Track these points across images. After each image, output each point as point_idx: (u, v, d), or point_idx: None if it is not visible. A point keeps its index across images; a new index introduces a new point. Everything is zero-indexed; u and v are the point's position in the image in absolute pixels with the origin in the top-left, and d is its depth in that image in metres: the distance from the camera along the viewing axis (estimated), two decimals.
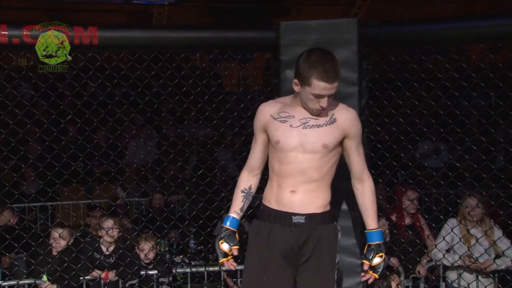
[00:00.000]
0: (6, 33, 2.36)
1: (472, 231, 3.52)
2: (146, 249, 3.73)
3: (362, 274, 2.30)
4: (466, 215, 3.58)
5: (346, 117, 2.23)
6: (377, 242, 2.27)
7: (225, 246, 2.28)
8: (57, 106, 3.31)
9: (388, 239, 3.78)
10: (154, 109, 3.34)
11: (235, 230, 2.32)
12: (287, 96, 2.36)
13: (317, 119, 2.21)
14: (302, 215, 2.18)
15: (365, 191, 2.29)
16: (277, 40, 2.62)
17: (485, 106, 4.29)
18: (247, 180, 2.34)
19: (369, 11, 7.62)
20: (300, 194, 2.18)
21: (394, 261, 3.83)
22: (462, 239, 3.55)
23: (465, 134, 2.97)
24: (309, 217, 2.19)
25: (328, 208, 2.24)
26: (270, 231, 2.22)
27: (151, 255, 3.74)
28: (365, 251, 2.30)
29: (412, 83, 2.77)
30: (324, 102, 2.15)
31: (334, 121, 2.22)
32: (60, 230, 3.72)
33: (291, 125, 2.20)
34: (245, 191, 2.33)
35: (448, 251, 3.63)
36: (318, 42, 2.56)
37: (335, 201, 2.49)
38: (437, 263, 3.73)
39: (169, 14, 7.14)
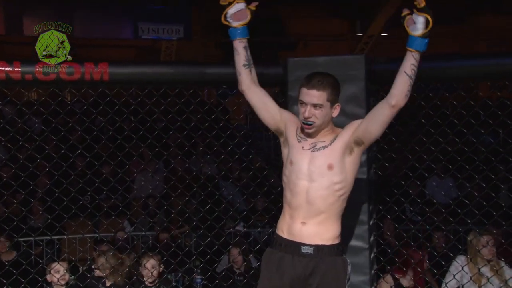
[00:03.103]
0: (20, 69, 2.42)
1: (482, 269, 3.46)
2: (149, 267, 3.68)
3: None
4: (477, 253, 3.52)
5: (345, 127, 2.26)
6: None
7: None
8: (67, 140, 3.36)
9: None
10: (162, 143, 3.38)
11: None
12: None
13: (323, 141, 2.23)
14: (310, 245, 2.20)
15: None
16: (285, 76, 2.66)
17: (493, 143, 4.29)
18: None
19: (374, 47, 7.74)
20: (310, 225, 2.21)
21: None
22: (472, 278, 3.48)
23: (473, 170, 2.96)
24: (317, 248, 2.20)
25: (337, 241, 2.25)
26: (280, 260, 2.24)
27: (155, 273, 3.69)
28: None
29: (420, 119, 2.78)
30: (306, 111, 2.18)
31: (337, 137, 2.23)
32: (59, 266, 3.67)
33: (303, 147, 2.24)
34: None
35: None
36: None
37: (345, 237, 2.49)
38: None
39: (177, 49, 7.29)
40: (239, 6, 2.27)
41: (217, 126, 3.29)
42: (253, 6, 2.29)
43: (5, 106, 5.03)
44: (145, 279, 3.75)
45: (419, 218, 3.58)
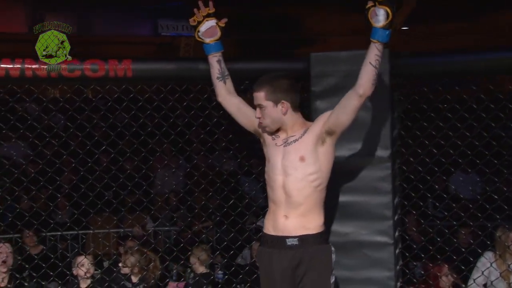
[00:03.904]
0: (45, 67, 2.45)
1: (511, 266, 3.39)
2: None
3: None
4: (506, 250, 3.45)
5: (316, 119, 2.32)
6: None
7: None
8: (91, 137, 3.41)
9: None
10: (185, 139, 3.39)
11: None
12: None
13: (294, 135, 2.30)
14: (295, 237, 2.24)
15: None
16: (307, 71, 2.65)
17: None
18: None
19: (393, 43, 7.61)
20: (292, 218, 2.25)
21: None
22: (501, 275, 3.41)
23: (501, 165, 2.90)
24: (301, 238, 2.23)
25: (321, 229, 2.28)
26: (270, 256, 2.29)
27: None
28: None
29: (446, 113, 2.73)
30: (256, 113, 2.31)
31: (308, 130, 2.29)
32: (85, 259, 3.74)
33: (276, 143, 2.31)
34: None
35: (485, 286, 3.50)
36: (348, 72, 2.58)
37: (368, 233, 2.47)
38: None
39: (195, 46, 7.29)
40: (209, 23, 2.42)
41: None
42: (222, 23, 2.43)
43: (29, 104, 5.11)
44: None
45: (443, 214, 3.50)
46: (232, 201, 3.35)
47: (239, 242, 3.42)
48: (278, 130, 2.32)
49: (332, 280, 2.26)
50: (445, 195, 3.12)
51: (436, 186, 2.88)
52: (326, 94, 2.62)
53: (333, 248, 2.29)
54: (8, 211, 4.13)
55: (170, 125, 3.13)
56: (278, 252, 2.26)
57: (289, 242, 2.24)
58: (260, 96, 2.27)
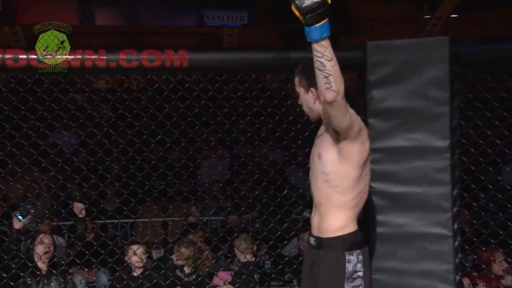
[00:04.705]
0: (105, 57, 2.48)
1: None
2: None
3: None
4: None
5: None
6: None
7: None
8: (135, 127, 3.45)
9: None
10: (226, 129, 3.40)
11: None
12: None
13: (322, 129, 2.22)
14: (313, 237, 2.19)
15: None
16: (363, 60, 2.60)
17: None
18: None
19: (442, 29, 7.43)
20: (315, 217, 2.20)
21: None
22: None
23: None
24: (318, 240, 2.17)
25: (338, 233, 2.12)
26: (305, 249, 2.30)
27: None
28: None
29: (509, 103, 2.65)
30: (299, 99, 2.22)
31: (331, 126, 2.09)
32: (138, 247, 3.81)
33: (317, 134, 2.25)
34: None
35: None
36: (406, 61, 2.53)
37: (427, 224, 2.43)
38: None
39: (239, 36, 7.29)
40: None
41: (280, 112, 3.27)
42: None
43: (75, 94, 5.21)
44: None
45: (493, 206, 3.41)
46: (274, 192, 3.36)
47: (287, 233, 3.42)
48: (321, 120, 2.22)
49: None
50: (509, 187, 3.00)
51: (499, 178, 2.79)
52: (382, 83, 2.57)
53: (352, 258, 2.10)
54: (62, 200, 4.22)
55: (212, 115, 3.16)
56: (308, 246, 2.25)
57: (311, 240, 2.20)
58: (295, 82, 2.21)
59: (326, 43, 1.86)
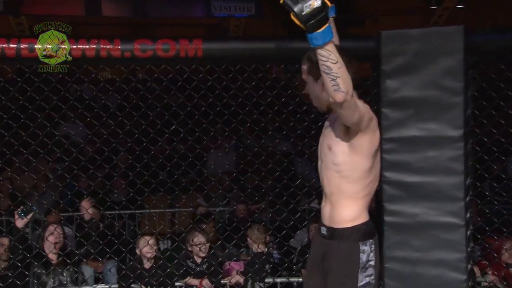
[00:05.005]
0: (119, 47, 2.48)
1: None
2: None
3: None
4: None
5: None
6: None
7: None
8: (145, 118, 3.46)
9: None
10: (238, 120, 3.40)
11: None
12: None
13: (330, 119, 2.18)
14: (325, 227, 2.17)
15: None
16: (377, 50, 2.60)
17: None
18: None
19: (448, 19, 7.40)
20: (326, 206, 2.18)
21: None
22: None
23: None
24: (330, 230, 2.15)
25: (351, 224, 2.11)
26: (314, 239, 2.31)
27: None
28: None
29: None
30: (305, 88, 2.17)
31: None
32: (149, 238, 3.83)
33: (325, 124, 2.21)
34: None
35: None
36: (420, 51, 2.53)
37: (439, 214, 2.43)
38: None
39: (245, 27, 7.28)
40: None
41: (292, 102, 3.27)
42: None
43: (84, 85, 5.22)
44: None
45: (500, 196, 3.41)
46: (284, 182, 3.36)
47: (296, 223, 3.43)
48: (330, 109, 2.16)
49: (364, 281, 2.08)
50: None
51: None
52: (396, 73, 2.57)
53: (366, 248, 2.10)
54: (68, 189, 4.25)
55: (223, 105, 3.16)
56: (318, 236, 2.23)
57: (322, 230, 2.18)
58: (303, 70, 2.15)
59: (330, 47, 1.85)
